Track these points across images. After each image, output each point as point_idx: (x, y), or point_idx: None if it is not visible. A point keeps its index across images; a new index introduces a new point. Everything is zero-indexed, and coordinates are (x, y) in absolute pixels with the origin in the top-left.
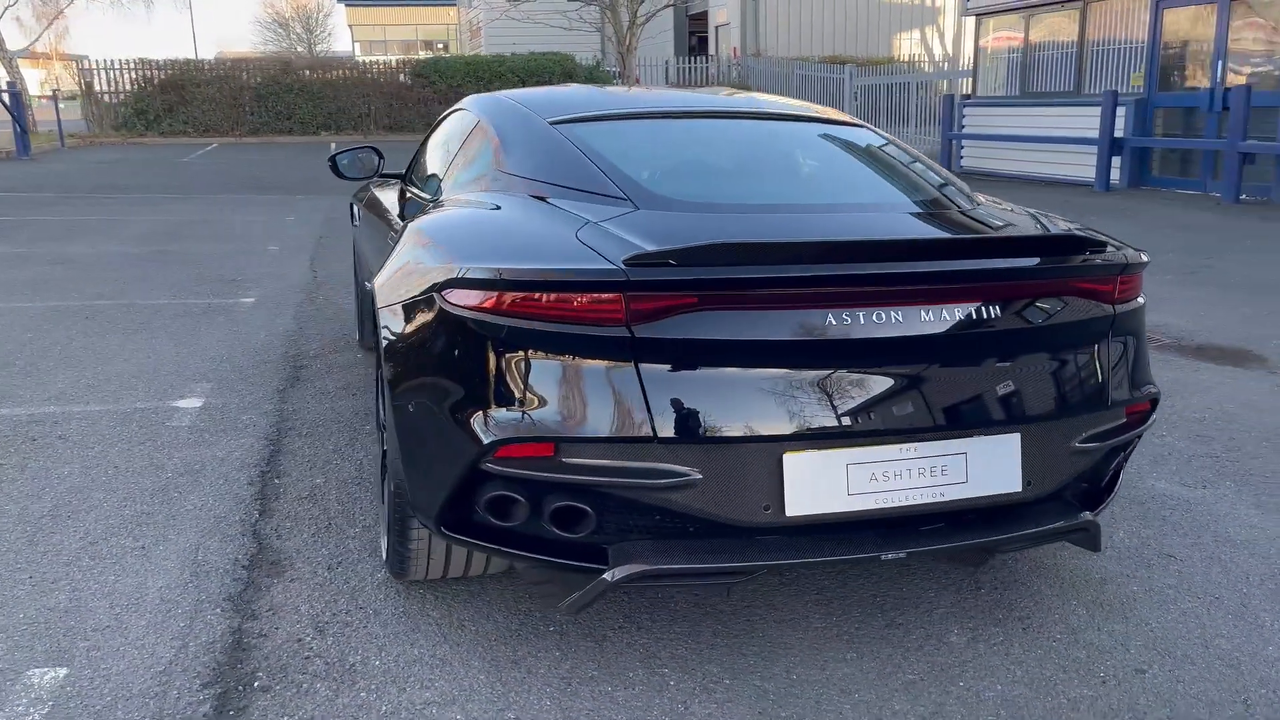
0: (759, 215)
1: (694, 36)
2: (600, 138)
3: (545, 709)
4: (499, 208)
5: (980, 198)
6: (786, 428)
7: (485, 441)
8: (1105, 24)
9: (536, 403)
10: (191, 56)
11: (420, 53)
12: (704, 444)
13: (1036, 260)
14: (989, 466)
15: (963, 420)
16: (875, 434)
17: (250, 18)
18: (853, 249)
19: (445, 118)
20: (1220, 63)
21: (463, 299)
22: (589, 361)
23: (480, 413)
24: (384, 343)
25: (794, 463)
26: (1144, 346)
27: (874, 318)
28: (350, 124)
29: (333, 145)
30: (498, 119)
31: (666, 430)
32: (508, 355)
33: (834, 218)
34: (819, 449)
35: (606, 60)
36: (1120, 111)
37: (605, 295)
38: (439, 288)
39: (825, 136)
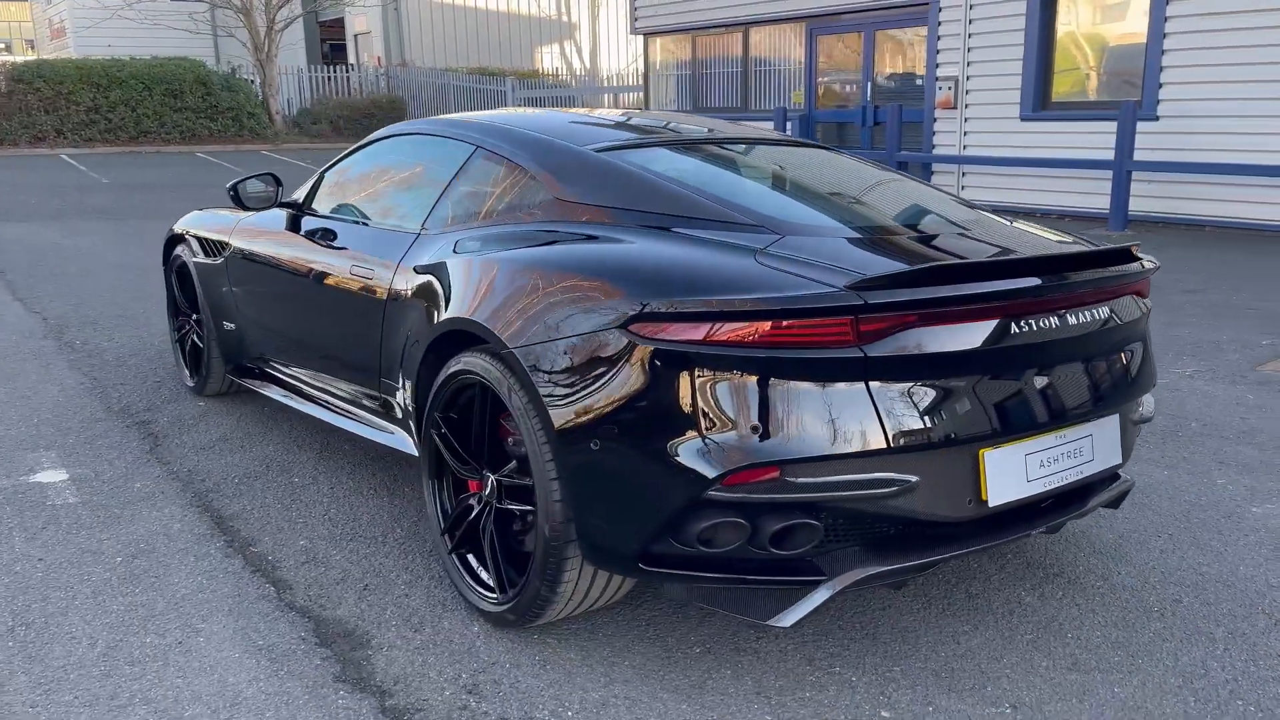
0: (894, 237)
1: (326, 44)
2: (668, 166)
3: (732, 715)
4: (610, 239)
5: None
6: (984, 427)
7: (712, 472)
8: (766, 46)
9: (762, 427)
10: None
11: None
12: (923, 450)
13: (1126, 267)
14: (1104, 444)
15: (1090, 406)
16: (1041, 425)
17: None
18: (1033, 264)
19: (378, 145)
20: (869, 84)
21: (664, 332)
22: (817, 382)
23: (699, 443)
24: (539, 386)
25: (992, 458)
26: None
27: (1043, 323)
28: None
29: None
30: (522, 147)
31: (897, 440)
32: (723, 383)
33: (956, 237)
34: (1008, 443)
35: (240, 68)
36: (788, 126)
37: (837, 319)
38: (627, 322)
39: (840, 161)
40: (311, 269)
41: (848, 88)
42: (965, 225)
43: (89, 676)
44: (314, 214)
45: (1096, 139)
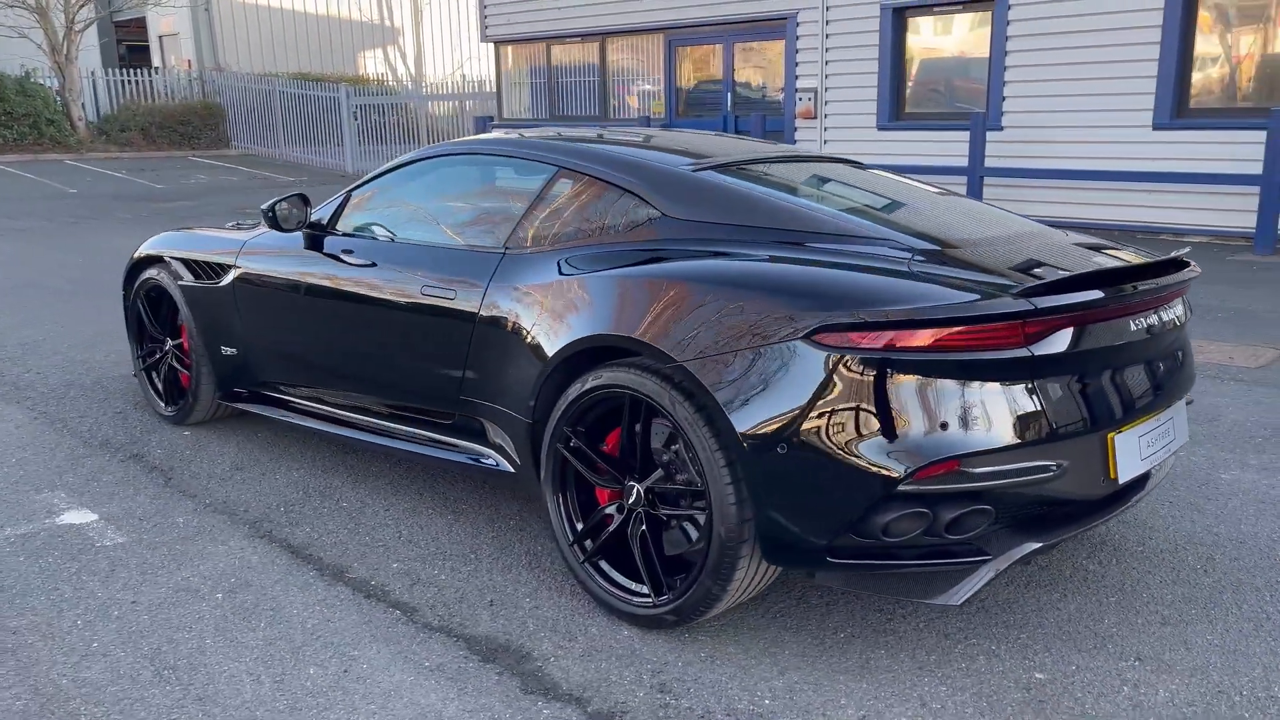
0: (1008, 245)
1: (122, 45)
2: (764, 184)
3: (942, 690)
4: (745, 256)
5: None
6: (1114, 414)
7: (902, 469)
8: (625, 55)
9: (944, 424)
10: None
11: None
12: (1073, 437)
13: (1189, 271)
14: (1180, 425)
15: (1172, 392)
16: (1147, 410)
17: None
18: (1150, 269)
19: (420, 165)
20: (729, 94)
21: (849, 341)
22: (990, 381)
23: (888, 442)
24: (719, 396)
25: (1119, 440)
26: None
27: (1153, 319)
28: None
29: None
30: (615, 168)
31: (1054, 430)
32: (906, 385)
33: (1043, 246)
34: (1128, 427)
35: (35, 71)
36: None
37: (1010, 323)
38: (813, 333)
39: (884, 176)
40: (359, 290)
41: (709, 97)
42: (1039, 236)
43: (276, 711)
44: (345, 235)
45: (947, 147)
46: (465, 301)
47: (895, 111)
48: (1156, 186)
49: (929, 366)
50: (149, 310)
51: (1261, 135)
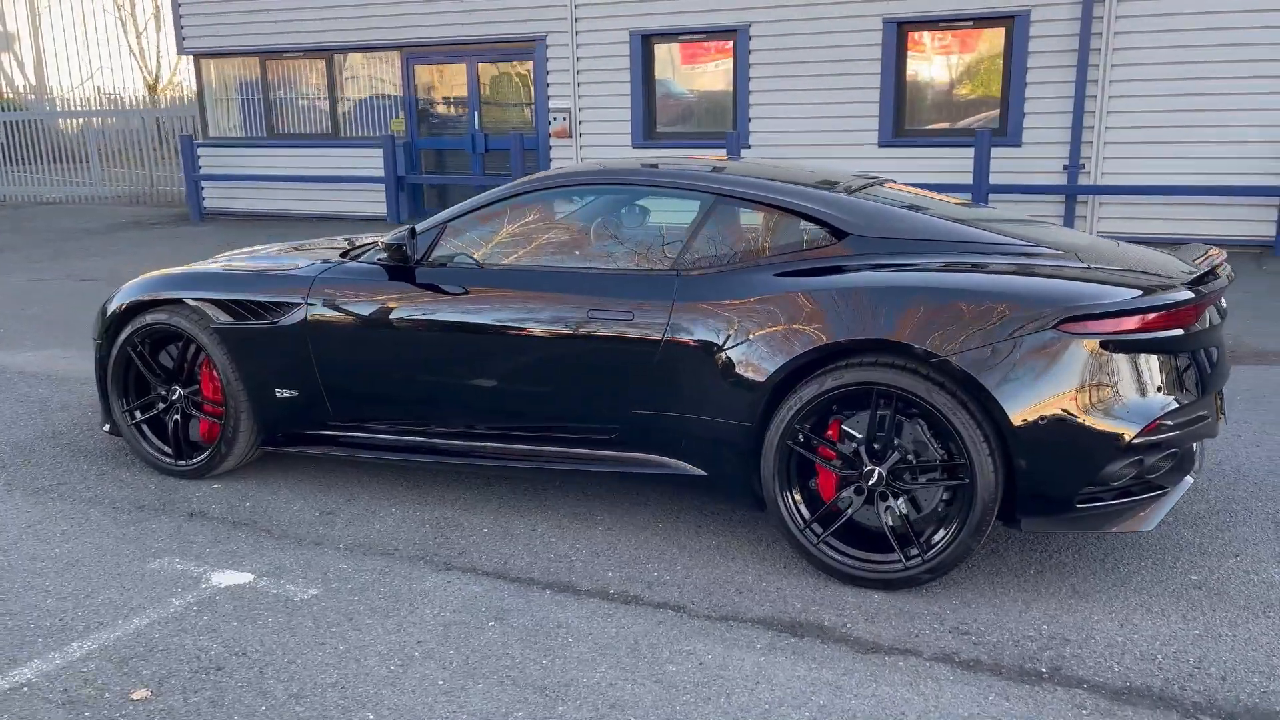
0: (1107, 252)
1: None
2: (908, 205)
3: (1148, 598)
4: (927, 267)
5: None
6: (1217, 374)
7: (1136, 427)
8: (358, 72)
9: (1155, 388)
10: None
11: None
12: (1209, 392)
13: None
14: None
15: (1223, 377)
16: (1222, 374)
17: None
18: (1218, 269)
19: (535, 195)
20: (476, 113)
21: (1087, 328)
22: (1177, 352)
23: (1123, 406)
24: (984, 382)
25: (1224, 393)
26: None
27: (1223, 304)
28: None
29: None
30: (781, 194)
31: (1204, 387)
32: (1129, 360)
33: (1123, 247)
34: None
35: None
36: (397, 154)
37: (1189, 308)
38: (1059, 323)
39: (927, 195)
40: (495, 319)
41: (455, 116)
42: (1098, 242)
43: (691, 705)
44: (450, 266)
45: None
46: (646, 322)
47: (648, 130)
48: None
49: (1139, 345)
50: (147, 358)
51: (970, 151)
